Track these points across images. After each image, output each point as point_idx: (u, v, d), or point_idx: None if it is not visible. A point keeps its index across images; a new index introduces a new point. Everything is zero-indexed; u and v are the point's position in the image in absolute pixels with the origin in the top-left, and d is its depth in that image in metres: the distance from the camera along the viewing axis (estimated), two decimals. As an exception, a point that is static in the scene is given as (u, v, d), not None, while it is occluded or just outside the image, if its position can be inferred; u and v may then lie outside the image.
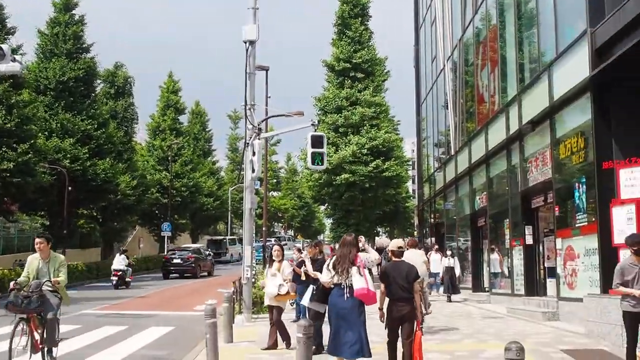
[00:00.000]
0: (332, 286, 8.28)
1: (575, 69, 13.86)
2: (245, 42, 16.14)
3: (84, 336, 13.62)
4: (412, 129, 40.81)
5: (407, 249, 13.02)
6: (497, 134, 20.25)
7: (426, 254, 22.55)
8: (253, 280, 16.26)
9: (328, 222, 60.59)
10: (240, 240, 42.90)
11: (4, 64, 14.21)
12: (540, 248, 17.86)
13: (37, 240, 9.64)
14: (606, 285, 12.30)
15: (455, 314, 17.54)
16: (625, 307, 8.20)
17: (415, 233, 47.54)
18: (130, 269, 30.17)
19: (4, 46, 14.38)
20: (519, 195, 18.50)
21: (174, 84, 57.16)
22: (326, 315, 8.78)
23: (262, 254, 32.17)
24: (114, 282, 28.55)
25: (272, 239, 54.61)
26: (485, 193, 22.55)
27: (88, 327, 15.08)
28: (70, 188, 33.88)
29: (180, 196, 52.58)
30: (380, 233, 57.08)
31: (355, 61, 34.94)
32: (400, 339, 8.48)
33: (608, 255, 12.31)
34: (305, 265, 12.67)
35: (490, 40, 21.88)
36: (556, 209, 15.55)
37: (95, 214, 42.43)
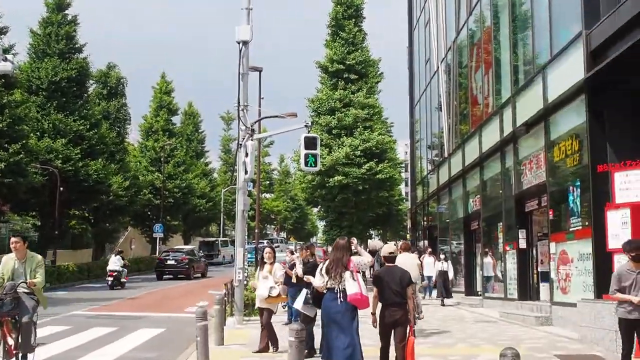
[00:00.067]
0: (325, 290, 8.21)
1: (570, 71, 13.80)
2: (239, 43, 16.06)
3: (73, 337, 13.48)
4: (405, 131, 40.80)
5: (400, 252, 12.94)
6: (490, 136, 20.18)
7: (419, 257, 22.52)
8: (245, 282, 16.14)
9: (321, 224, 60.56)
10: (233, 242, 42.78)
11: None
12: (534, 252, 17.79)
13: (12, 239, 9.15)
14: (600, 290, 12.24)
15: (447, 318, 17.45)
16: (621, 314, 8.08)
17: (408, 236, 47.50)
18: (126, 270, 30.30)
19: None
20: (513, 199, 18.43)
21: (167, 84, 57.02)
22: (318, 318, 8.69)
23: (254, 256, 32.04)
24: (110, 282, 28.71)
25: (265, 241, 54.40)
26: (478, 196, 22.49)
27: (78, 328, 14.94)
28: (62, 188, 33.66)
29: (172, 197, 52.44)
30: (373, 236, 57.02)
31: (348, 62, 34.81)
32: (392, 343, 8.41)
33: (602, 259, 12.23)
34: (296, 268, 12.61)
35: (484, 42, 21.83)
36: (550, 212, 15.47)
37: (87, 214, 42.25)
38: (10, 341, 8.80)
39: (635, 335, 8.02)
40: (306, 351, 8.84)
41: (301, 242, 66.72)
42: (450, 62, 27.29)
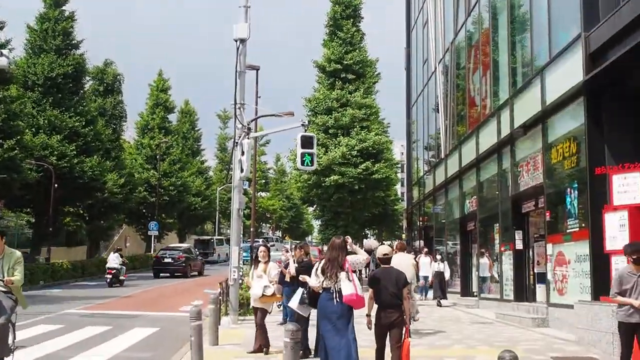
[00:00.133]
0: (321, 290, 8.16)
1: (569, 73, 13.76)
2: (236, 41, 16.01)
3: (66, 337, 13.37)
4: (401, 132, 40.77)
5: (396, 252, 12.90)
6: (488, 137, 20.14)
7: (415, 257, 22.47)
8: (240, 281, 16.07)
9: (316, 223, 60.44)
10: (228, 241, 42.67)
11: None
12: (530, 253, 17.77)
13: None
14: (597, 292, 12.22)
15: (444, 319, 17.40)
16: (621, 318, 8.00)
17: (404, 236, 47.51)
18: (124, 268, 30.52)
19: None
20: (510, 200, 18.40)
21: (164, 82, 56.83)
22: (312, 318, 8.64)
23: (249, 255, 31.99)
24: (108, 280, 28.98)
25: (260, 240, 54.32)
26: (475, 197, 22.45)
27: (71, 327, 14.84)
28: (56, 185, 33.50)
29: (168, 195, 52.34)
30: (369, 235, 56.92)
31: (346, 62, 34.75)
32: (388, 345, 8.36)
33: (599, 261, 12.21)
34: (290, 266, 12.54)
35: (482, 44, 21.79)
36: (547, 214, 15.45)
37: (81, 211, 42.09)
38: None
39: (636, 338, 7.94)
40: (301, 352, 8.77)
41: (297, 241, 66.72)
42: (448, 64, 27.25)
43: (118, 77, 47.63)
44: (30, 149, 31.12)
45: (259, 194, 75.15)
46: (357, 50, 35.50)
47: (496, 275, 19.90)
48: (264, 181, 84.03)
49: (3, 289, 8.50)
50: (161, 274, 36.68)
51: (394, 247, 13.30)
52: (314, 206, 39.95)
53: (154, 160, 52.27)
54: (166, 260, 37.00)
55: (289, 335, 7.22)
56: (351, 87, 34.89)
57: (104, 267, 36.85)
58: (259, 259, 11.53)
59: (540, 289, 16.73)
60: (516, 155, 18.05)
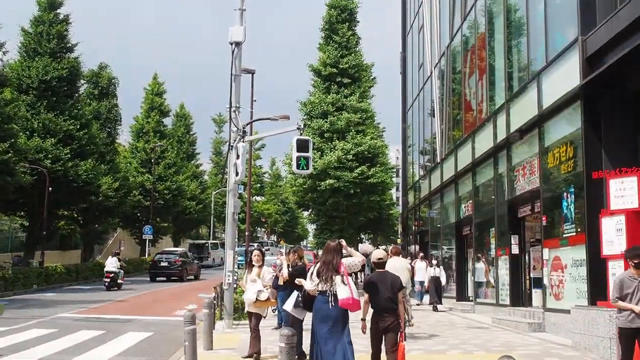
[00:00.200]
0: (317, 293, 8.11)
1: (565, 77, 13.72)
2: (232, 44, 15.92)
3: (58, 341, 13.23)
4: (396, 137, 40.74)
5: (390, 257, 12.88)
6: (484, 142, 20.09)
7: (411, 262, 22.42)
8: (235, 285, 15.96)
9: (311, 227, 60.37)
10: (223, 245, 42.57)
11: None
12: (526, 258, 17.71)
13: None
14: (594, 297, 12.17)
15: (440, 324, 17.32)
16: (622, 324, 7.90)
17: (399, 240, 47.45)
18: (122, 271, 30.61)
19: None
20: (506, 204, 18.34)
21: (159, 85, 56.72)
22: (306, 322, 8.58)
23: (244, 259, 31.93)
24: (107, 283, 29.11)
25: (255, 244, 54.22)
26: (471, 201, 22.39)
27: (64, 331, 14.70)
28: (50, 189, 33.33)
29: (162, 199, 52.15)
30: (364, 240, 56.91)
31: (342, 66, 34.75)
32: (384, 349, 8.33)
33: (596, 266, 12.15)
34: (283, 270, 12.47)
35: (478, 48, 21.76)
36: (543, 218, 15.38)
37: (76, 215, 41.90)
38: None
39: (637, 344, 7.85)
40: (296, 356, 8.70)
41: (291, 246, 66.58)
42: (444, 68, 27.22)
43: (113, 80, 47.42)
44: (24, 152, 30.91)
45: (254, 198, 75.06)
46: (352, 54, 35.52)
47: (492, 281, 19.83)
48: (259, 185, 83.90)
49: None
50: (158, 278, 36.81)
51: (389, 252, 13.27)
52: (309, 210, 39.93)
53: (149, 164, 52.11)
54: (163, 264, 37.18)
55: (284, 340, 7.16)
56: (347, 91, 34.88)
57: (98, 271, 36.97)
58: (253, 262, 11.40)
59: (536, 294, 16.67)
60: (512, 159, 18.00)
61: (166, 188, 52.53)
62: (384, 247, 39.46)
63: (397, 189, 63.53)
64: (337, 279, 7.93)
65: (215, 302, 15.24)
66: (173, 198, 53.38)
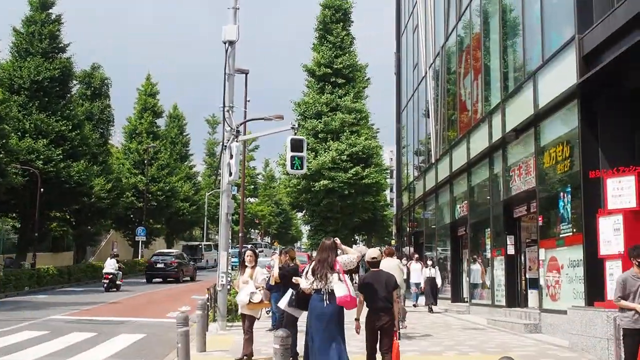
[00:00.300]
0: (313, 292, 8.06)
1: (562, 76, 13.63)
2: (225, 43, 15.79)
3: (50, 343, 13.06)
4: (390, 138, 40.66)
5: (383, 258, 12.77)
6: (479, 142, 20.00)
7: (407, 264, 22.30)
8: (228, 287, 15.81)
9: (305, 228, 60.30)
10: (216, 247, 42.43)
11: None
12: (522, 258, 17.60)
13: None
14: (591, 298, 12.08)
15: (435, 325, 17.20)
16: (626, 324, 7.74)
17: (393, 242, 47.32)
18: (121, 273, 30.88)
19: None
20: (501, 205, 18.24)
21: (152, 86, 56.49)
22: (300, 323, 8.50)
23: (238, 260, 31.80)
24: (105, 284, 29.40)
25: (249, 246, 54.04)
26: (466, 202, 22.29)
27: (55, 333, 14.53)
28: (42, 190, 33.09)
29: (155, 200, 51.92)
30: (358, 241, 56.81)
31: (336, 66, 34.68)
32: (379, 350, 8.28)
33: (593, 266, 12.05)
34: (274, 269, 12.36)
35: (473, 48, 21.67)
36: (540, 218, 15.27)
37: (68, 217, 41.67)
38: None
39: None
40: (290, 358, 8.59)
41: (283, 247, 66.40)
42: (439, 68, 27.13)
43: (106, 81, 47.19)
44: (16, 153, 30.71)
45: (247, 199, 74.85)
46: (347, 54, 35.46)
47: (488, 282, 19.72)
48: (252, 187, 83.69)
49: None
50: (154, 280, 36.88)
51: (382, 252, 13.17)
52: (304, 211, 39.83)
53: (142, 165, 51.87)
54: (159, 265, 37.28)
55: (279, 341, 7.07)
56: (341, 92, 34.80)
57: (90, 273, 36.87)
58: (246, 263, 11.22)
59: (532, 295, 16.56)
60: (508, 159, 17.90)
61: (159, 189, 52.31)
62: (377, 248, 39.35)
63: (392, 190, 63.52)
64: (334, 276, 7.90)
65: (208, 303, 15.09)
66: (166, 199, 53.18)
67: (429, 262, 23.67)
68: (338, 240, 8.43)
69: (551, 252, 14.52)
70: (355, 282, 21.92)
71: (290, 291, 9.20)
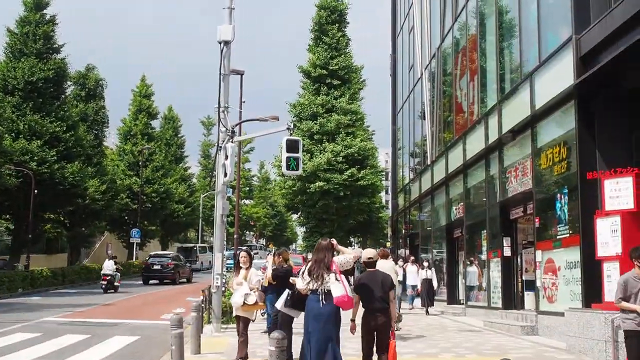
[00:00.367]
0: (309, 292, 8.02)
1: (559, 77, 13.56)
2: (220, 43, 15.69)
3: (42, 345, 12.93)
4: (385, 140, 40.65)
5: (378, 260, 12.67)
6: (475, 143, 19.93)
7: (403, 265, 22.20)
8: (223, 289, 15.70)
9: (300, 230, 60.16)
10: (211, 249, 42.32)
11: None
12: (519, 260, 17.53)
13: None
14: (589, 299, 12.00)
15: (431, 327, 17.10)
16: (629, 326, 7.63)
17: (388, 244, 47.24)
18: (119, 274, 30.95)
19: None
20: (497, 206, 18.17)
21: (147, 88, 56.34)
22: (296, 325, 8.42)
23: (233, 262, 31.73)
24: (103, 286, 29.64)
25: (244, 247, 53.94)
26: (462, 204, 22.22)
27: (48, 335, 14.39)
28: (36, 191, 32.90)
29: (150, 202, 51.79)
30: (353, 243, 56.73)
31: (331, 68, 34.62)
32: (375, 350, 8.26)
33: (591, 268, 11.98)
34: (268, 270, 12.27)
35: (469, 49, 21.61)
36: (536, 220, 15.20)
37: (62, 218, 41.49)
38: None
39: None
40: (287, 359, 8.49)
41: (277, 249, 66.26)
42: (434, 70, 27.07)
43: (100, 82, 47.08)
44: (9, 154, 30.53)
45: (242, 201, 74.76)
46: (342, 56, 35.40)
47: (484, 284, 19.65)
48: (247, 189, 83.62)
49: None
50: (150, 281, 36.90)
51: (376, 254, 13.09)
52: (299, 213, 39.73)
53: (137, 167, 51.71)
54: (155, 267, 37.35)
55: (275, 343, 6.97)
56: (336, 93, 34.74)
57: (84, 275, 36.78)
58: (240, 264, 11.11)
59: (529, 297, 16.49)
60: (504, 161, 17.83)
61: (154, 191, 52.17)
62: (372, 249, 39.26)
63: (387, 192, 63.49)
64: (331, 276, 7.86)
65: (203, 305, 14.97)
66: (161, 201, 53.04)
67: (425, 264, 23.58)
68: (334, 241, 8.38)
69: (548, 254, 14.44)
70: (351, 285, 21.81)
71: (286, 291, 9.12)
